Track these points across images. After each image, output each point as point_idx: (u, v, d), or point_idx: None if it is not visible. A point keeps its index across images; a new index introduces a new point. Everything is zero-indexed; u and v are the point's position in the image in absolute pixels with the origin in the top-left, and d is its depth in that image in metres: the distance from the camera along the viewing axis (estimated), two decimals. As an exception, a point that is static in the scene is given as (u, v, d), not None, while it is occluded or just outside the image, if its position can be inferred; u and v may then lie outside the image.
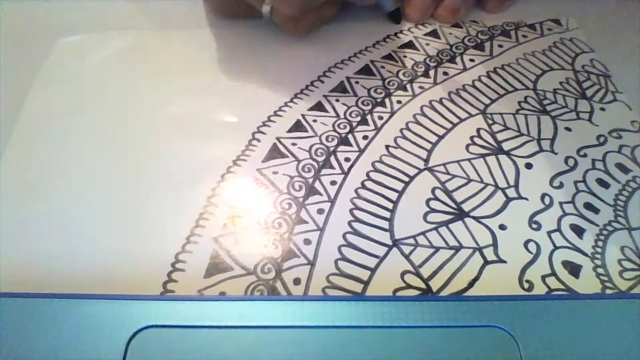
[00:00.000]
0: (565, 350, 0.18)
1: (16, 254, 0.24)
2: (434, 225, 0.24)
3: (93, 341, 0.19)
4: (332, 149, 0.28)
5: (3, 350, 0.18)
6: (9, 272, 0.23)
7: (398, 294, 0.22)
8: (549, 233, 0.24)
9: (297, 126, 0.29)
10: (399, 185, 0.26)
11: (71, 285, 0.23)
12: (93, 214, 0.25)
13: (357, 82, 0.31)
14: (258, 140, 0.28)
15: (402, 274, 0.23)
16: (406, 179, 0.26)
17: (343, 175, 0.26)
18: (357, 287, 0.23)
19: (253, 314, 0.19)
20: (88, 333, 0.19)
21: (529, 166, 0.27)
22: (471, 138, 0.28)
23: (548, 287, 0.23)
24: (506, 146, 0.28)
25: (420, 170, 0.27)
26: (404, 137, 0.28)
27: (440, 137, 0.28)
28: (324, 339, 0.19)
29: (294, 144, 0.28)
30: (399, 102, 0.30)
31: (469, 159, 0.27)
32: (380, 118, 0.29)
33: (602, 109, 0.30)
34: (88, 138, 0.28)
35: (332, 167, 0.27)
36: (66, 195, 0.26)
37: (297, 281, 0.23)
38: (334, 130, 0.28)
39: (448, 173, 0.26)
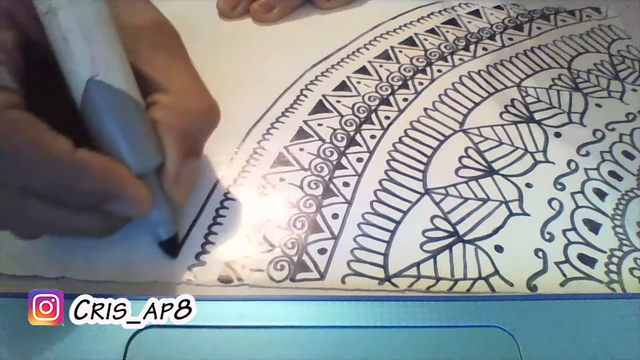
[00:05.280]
0: (565, 350, 0.19)
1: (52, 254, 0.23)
2: (464, 179, 0.26)
3: (93, 341, 0.19)
4: (373, 107, 0.30)
5: (3, 350, 0.19)
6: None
7: (426, 234, 0.24)
8: (573, 194, 0.26)
9: (342, 86, 0.31)
10: (434, 143, 0.28)
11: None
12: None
13: (400, 52, 0.33)
14: (305, 96, 0.30)
15: (432, 218, 0.25)
16: (441, 137, 0.28)
17: (382, 131, 0.29)
18: (390, 225, 0.25)
19: (253, 314, 0.20)
20: (88, 333, 0.19)
21: (558, 135, 0.29)
22: (505, 107, 0.30)
23: (568, 239, 0.24)
24: (537, 116, 0.29)
25: (456, 132, 0.29)
26: (442, 102, 0.30)
27: (476, 104, 0.30)
28: (324, 339, 0.19)
29: (338, 101, 0.30)
30: (439, 71, 0.32)
31: (501, 125, 0.29)
32: (421, 84, 0.31)
33: (634, 90, 0.31)
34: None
35: (372, 123, 0.29)
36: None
37: (335, 216, 0.25)
38: (376, 92, 0.31)
39: (481, 135, 0.28)
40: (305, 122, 0.29)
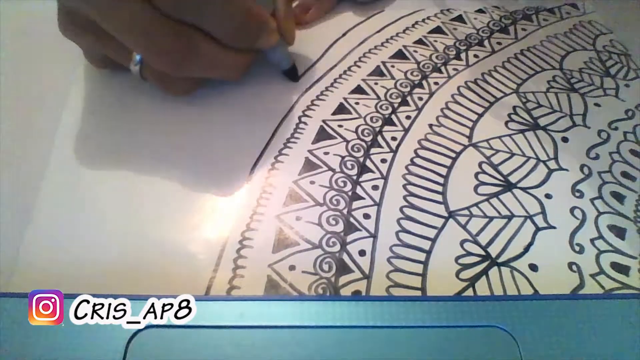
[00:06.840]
0: (565, 350, 0.19)
1: (69, 252, 0.24)
2: (485, 197, 0.26)
3: (93, 341, 0.19)
4: (377, 129, 0.29)
5: (3, 350, 0.18)
6: (67, 273, 0.23)
7: (460, 261, 0.23)
8: (592, 200, 0.26)
9: (341, 109, 0.30)
10: (446, 161, 0.27)
11: (142, 276, 0.23)
12: (149, 205, 0.25)
13: (392, 66, 0.32)
14: (305, 124, 0.29)
15: (461, 243, 0.24)
16: (453, 154, 0.27)
17: (392, 154, 0.27)
18: (421, 256, 0.24)
19: (253, 314, 0.19)
20: (88, 333, 0.19)
21: (565, 140, 0.28)
22: (509, 115, 0.29)
23: (598, 249, 0.24)
24: (542, 122, 0.29)
25: (466, 147, 0.28)
26: (446, 116, 0.29)
27: (480, 115, 0.29)
28: (324, 339, 0.19)
29: (340, 126, 0.29)
30: (435, 83, 0.31)
31: (509, 135, 0.28)
32: (420, 99, 0.30)
33: (627, 85, 0.31)
34: (138, 130, 0.28)
35: (380, 146, 0.28)
36: (120, 187, 0.26)
37: (362, 253, 0.24)
38: (377, 112, 0.29)
39: (492, 148, 0.28)
40: (310, 151, 0.27)
